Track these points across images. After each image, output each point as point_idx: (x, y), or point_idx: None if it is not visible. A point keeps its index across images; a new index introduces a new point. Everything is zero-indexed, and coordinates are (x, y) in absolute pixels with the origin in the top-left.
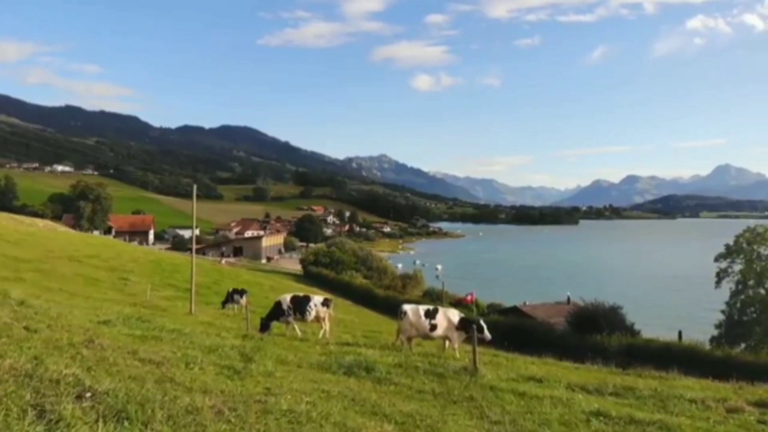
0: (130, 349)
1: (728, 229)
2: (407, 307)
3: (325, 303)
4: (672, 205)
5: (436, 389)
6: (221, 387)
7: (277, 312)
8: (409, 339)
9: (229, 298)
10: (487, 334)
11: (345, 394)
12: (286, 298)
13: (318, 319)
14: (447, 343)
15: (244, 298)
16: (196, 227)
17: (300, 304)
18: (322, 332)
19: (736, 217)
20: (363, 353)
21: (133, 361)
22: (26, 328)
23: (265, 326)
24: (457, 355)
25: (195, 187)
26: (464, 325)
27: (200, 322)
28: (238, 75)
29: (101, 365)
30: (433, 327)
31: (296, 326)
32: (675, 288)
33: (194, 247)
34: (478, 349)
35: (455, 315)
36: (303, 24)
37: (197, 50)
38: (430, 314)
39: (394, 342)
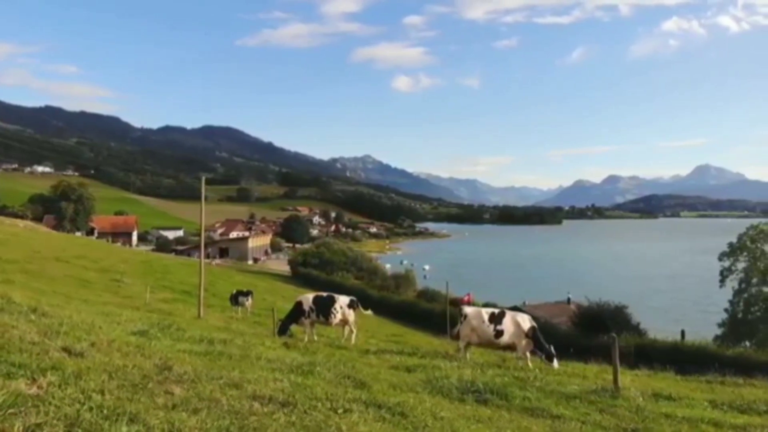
0: (225, 379)
1: (709, 229)
2: (468, 310)
3: (352, 305)
4: (653, 205)
5: (614, 422)
6: None
7: (297, 313)
8: (467, 346)
9: (234, 299)
10: (556, 363)
11: None
12: (308, 298)
13: (344, 322)
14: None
15: (250, 299)
16: (179, 228)
17: (324, 306)
18: (354, 337)
19: (716, 216)
20: (443, 368)
21: (251, 401)
22: (66, 350)
23: (283, 329)
24: (530, 365)
25: (204, 179)
26: (534, 333)
27: (216, 327)
28: (219, 75)
29: (225, 417)
30: (499, 333)
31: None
32: (668, 287)
33: (203, 247)
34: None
35: (526, 321)
36: (281, 25)
37: (176, 51)
38: (496, 318)
39: (454, 351)
